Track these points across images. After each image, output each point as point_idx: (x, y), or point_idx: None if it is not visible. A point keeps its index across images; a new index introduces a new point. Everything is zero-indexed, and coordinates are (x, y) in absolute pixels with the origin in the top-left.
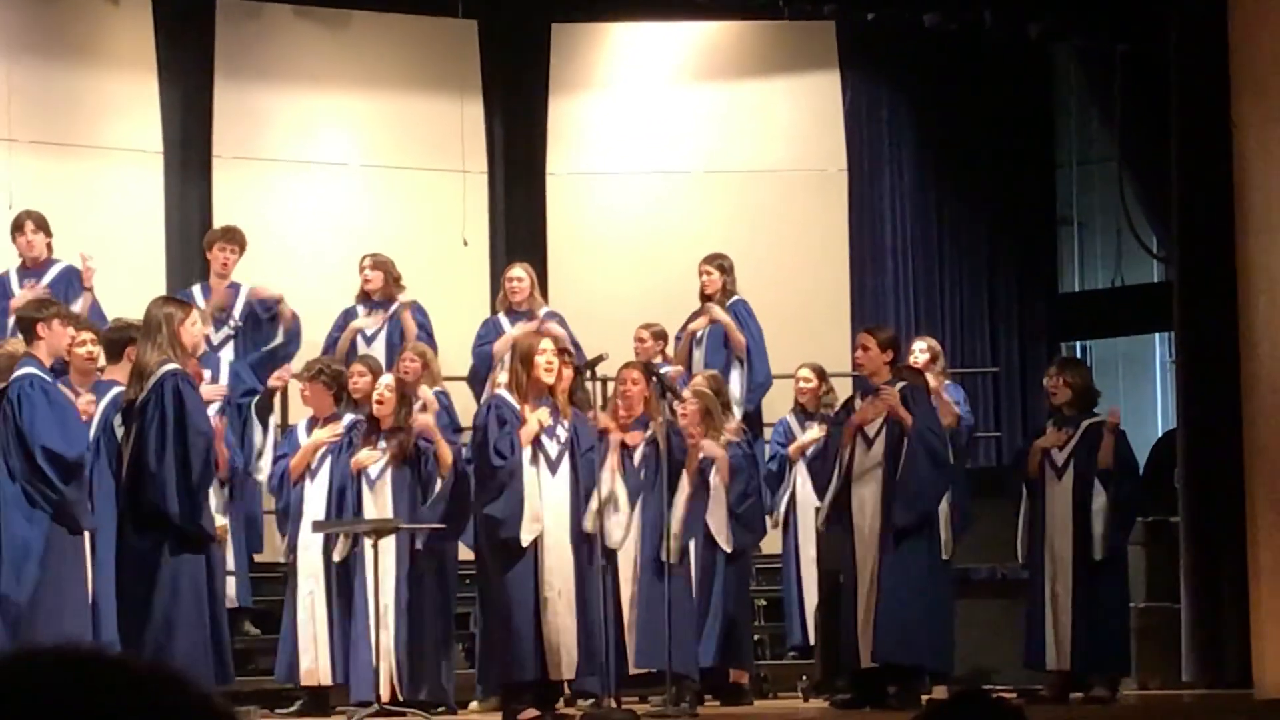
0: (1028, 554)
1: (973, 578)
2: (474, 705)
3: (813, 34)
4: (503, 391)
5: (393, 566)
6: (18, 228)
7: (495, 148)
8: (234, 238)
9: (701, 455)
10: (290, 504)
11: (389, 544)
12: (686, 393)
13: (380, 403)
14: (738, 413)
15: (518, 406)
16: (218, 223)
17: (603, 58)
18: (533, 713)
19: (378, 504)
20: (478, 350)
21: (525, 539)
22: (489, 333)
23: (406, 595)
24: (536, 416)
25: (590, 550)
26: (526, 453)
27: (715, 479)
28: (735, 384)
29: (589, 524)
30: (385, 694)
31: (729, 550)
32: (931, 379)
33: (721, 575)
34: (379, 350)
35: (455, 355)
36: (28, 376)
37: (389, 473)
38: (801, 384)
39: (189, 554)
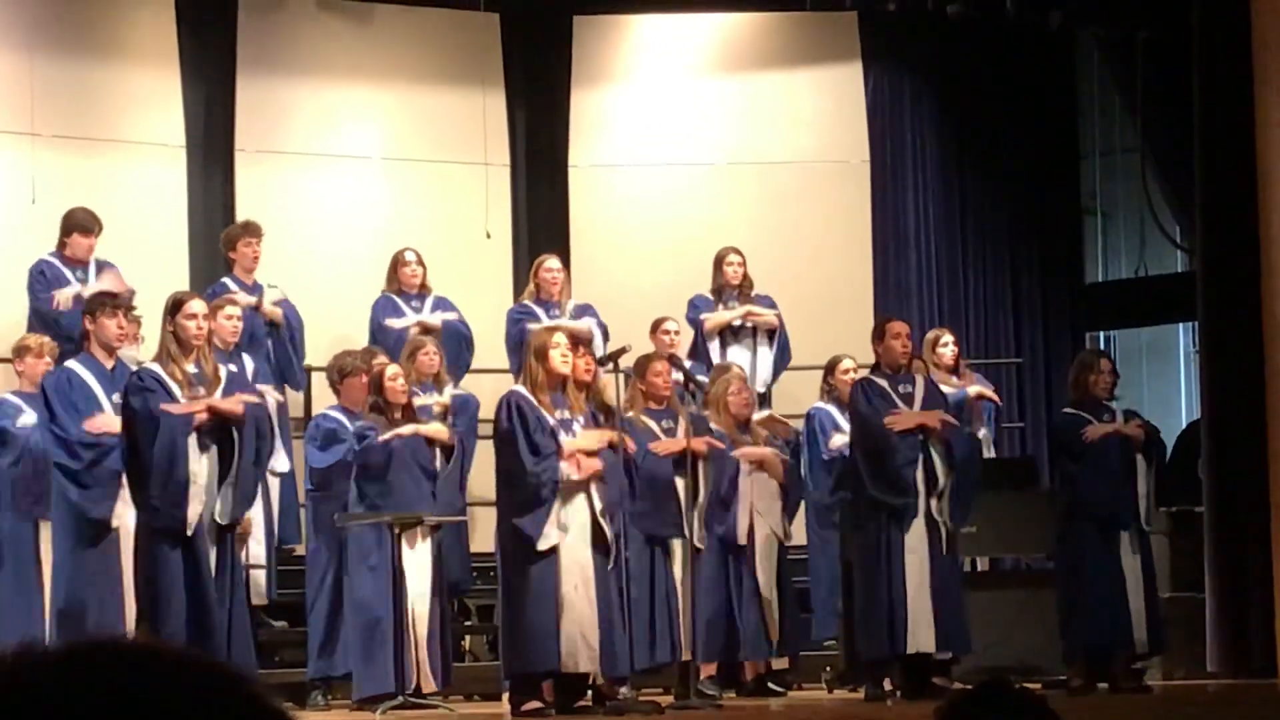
0: None
1: (998, 569)
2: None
3: (835, 25)
4: (519, 388)
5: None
6: (87, 230)
7: (517, 140)
8: (257, 231)
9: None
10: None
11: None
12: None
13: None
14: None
15: (534, 400)
16: (241, 217)
17: (625, 50)
18: (535, 704)
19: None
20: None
21: (543, 546)
22: (526, 320)
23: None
24: (581, 439)
25: (608, 546)
26: (563, 465)
27: (761, 475)
28: (763, 366)
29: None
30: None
31: (786, 541)
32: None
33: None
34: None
35: (477, 348)
36: None
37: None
38: (843, 376)
39: None
